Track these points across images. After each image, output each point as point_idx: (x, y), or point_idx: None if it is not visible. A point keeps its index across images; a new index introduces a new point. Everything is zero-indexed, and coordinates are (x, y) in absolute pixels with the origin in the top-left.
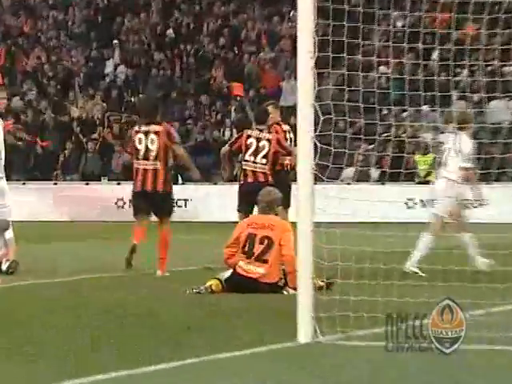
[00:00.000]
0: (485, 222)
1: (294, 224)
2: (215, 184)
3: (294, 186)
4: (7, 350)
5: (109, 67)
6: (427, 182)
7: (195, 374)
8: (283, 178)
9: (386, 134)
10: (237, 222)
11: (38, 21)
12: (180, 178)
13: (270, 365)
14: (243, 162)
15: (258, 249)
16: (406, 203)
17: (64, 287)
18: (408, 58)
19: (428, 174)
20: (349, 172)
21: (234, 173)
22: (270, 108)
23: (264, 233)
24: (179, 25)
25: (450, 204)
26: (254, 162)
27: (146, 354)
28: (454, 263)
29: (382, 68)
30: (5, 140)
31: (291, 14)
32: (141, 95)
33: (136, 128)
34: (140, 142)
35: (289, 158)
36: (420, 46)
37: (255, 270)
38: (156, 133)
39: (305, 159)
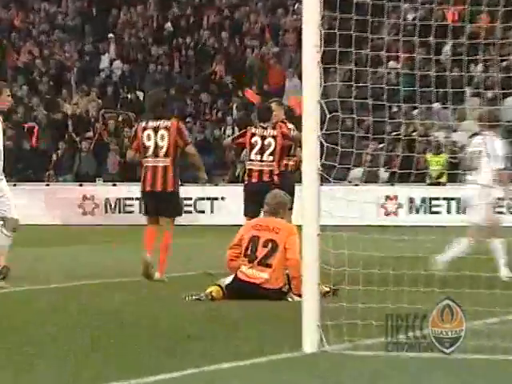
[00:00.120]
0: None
1: (298, 227)
2: (216, 185)
3: (298, 188)
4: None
5: (104, 62)
6: (439, 184)
7: None
8: (287, 178)
9: (395, 133)
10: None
11: (29, 13)
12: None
13: (273, 376)
14: (248, 162)
15: (261, 252)
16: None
17: (59, 293)
18: (419, 52)
19: (440, 175)
20: (356, 173)
21: (237, 173)
22: (273, 105)
23: (268, 236)
24: (178, 17)
25: (486, 210)
26: (260, 161)
27: (146, 364)
28: (468, 269)
29: (392, 63)
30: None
31: (296, 6)
32: (150, 91)
33: (143, 124)
34: (149, 139)
35: (293, 158)
36: (432, 39)
37: (258, 275)
38: (166, 128)
39: (310, 159)
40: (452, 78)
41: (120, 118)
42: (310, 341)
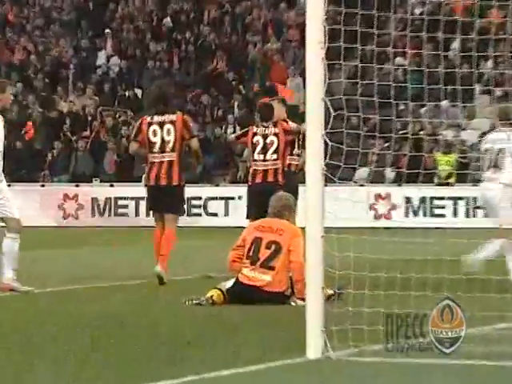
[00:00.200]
0: None
1: (302, 229)
2: (217, 186)
3: (302, 188)
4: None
5: (101, 58)
6: (447, 184)
7: None
8: (290, 179)
9: (402, 132)
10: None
11: (23, 8)
12: None
13: (276, 383)
14: (252, 163)
15: (263, 254)
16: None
17: (54, 297)
18: (427, 48)
19: (449, 175)
20: (362, 173)
21: (239, 174)
22: (274, 103)
23: (271, 237)
24: (177, 12)
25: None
26: (264, 161)
27: (146, 372)
28: (480, 272)
29: (399, 59)
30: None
31: (299, 0)
32: (156, 83)
33: (148, 119)
34: (155, 135)
35: (297, 159)
36: (440, 35)
37: (260, 278)
38: (172, 122)
39: (314, 158)
40: (461, 74)
41: (120, 118)
42: (314, 346)
